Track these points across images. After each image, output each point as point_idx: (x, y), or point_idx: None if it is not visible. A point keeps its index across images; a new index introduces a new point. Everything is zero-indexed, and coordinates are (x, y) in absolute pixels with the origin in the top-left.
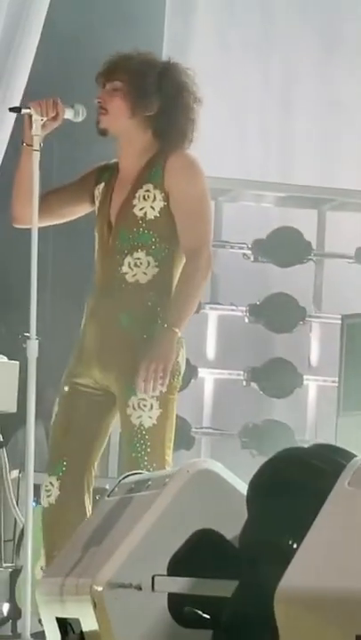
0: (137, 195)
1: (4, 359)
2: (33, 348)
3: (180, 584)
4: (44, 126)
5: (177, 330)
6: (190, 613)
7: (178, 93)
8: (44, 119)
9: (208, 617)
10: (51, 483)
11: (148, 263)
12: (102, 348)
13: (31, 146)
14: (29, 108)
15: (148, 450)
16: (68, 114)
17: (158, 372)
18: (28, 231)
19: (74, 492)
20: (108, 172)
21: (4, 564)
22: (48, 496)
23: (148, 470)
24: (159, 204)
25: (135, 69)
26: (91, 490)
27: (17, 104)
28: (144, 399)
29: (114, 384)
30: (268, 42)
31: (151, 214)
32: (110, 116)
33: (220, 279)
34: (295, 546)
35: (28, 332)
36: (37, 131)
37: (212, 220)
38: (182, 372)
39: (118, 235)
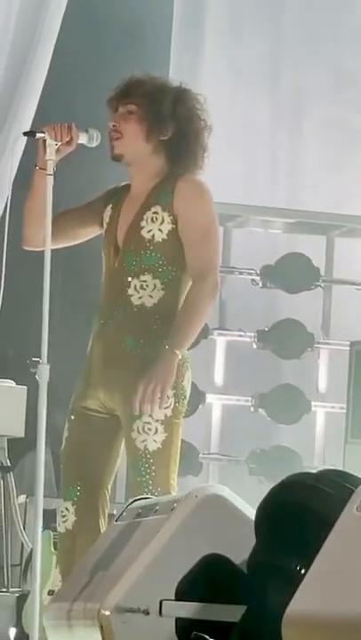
0: (145, 217)
1: (12, 384)
2: (44, 372)
3: (187, 609)
4: (58, 151)
5: (178, 352)
6: (198, 638)
7: (191, 119)
8: (59, 144)
9: None
10: (66, 508)
11: (155, 286)
12: (108, 370)
13: (45, 170)
14: (44, 133)
15: (153, 474)
16: (82, 138)
17: (156, 393)
18: (35, 254)
19: (89, 516)
20: (116, 195)
21: (11, 589)
22: (64, 521)
23: (153, 494)
24: (167, 226)
25: (150, 93)
26: (106, 513)
27: (27, 128)
28: (149, 423)
29: (119, 407)
30: (276, 67)
31: (159, 237)
32: (125, 140)
33: (229, 305)
34: (303, 571)
35: (36, 356)
36: (51, 155)
37: (219, 245)
38: (188, 396)
39: (125, 257)
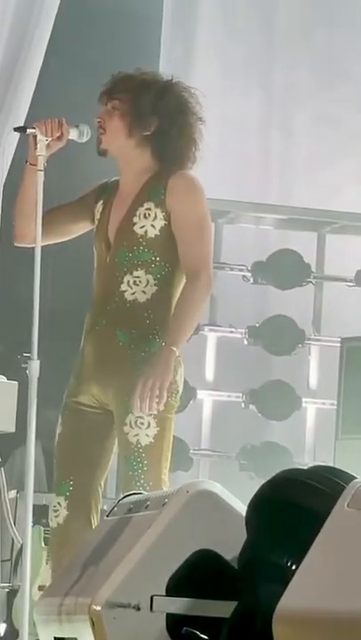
0: (137, 213)
1: (3, 379)
2: (34, 368)
3: (178, 604)
4: (48, 146)
5: (175, 349)
6: (189, 634)
7: (177, 112)
8: (49, 139)
9: (206, 638)
10: (58, 503)
11: (148, 282)
12: (100, 365)
13: (35, 166)
14: (34, 128)
15: (145, 468)
16: (73, 134)
17: (155, 391)
18: (26, 250)
19: (81, 511)
20: (107, 191)
21: (2, 584)
22: (56, 516)
23: (145, 488)
24: (160, 222)
25: (133, 88)
26: (98, 508)
27: (21, 124)
28: (141, 417)
29: (112, 402)
30: (268, 63)
31: (152, 233)
32: (108, 136)
33: (220, 301)
34: (294, 567)
35: (27, 351)
36: (42, 151)
37: (212, 241)
38: (180, 392)
39: (118, 253)
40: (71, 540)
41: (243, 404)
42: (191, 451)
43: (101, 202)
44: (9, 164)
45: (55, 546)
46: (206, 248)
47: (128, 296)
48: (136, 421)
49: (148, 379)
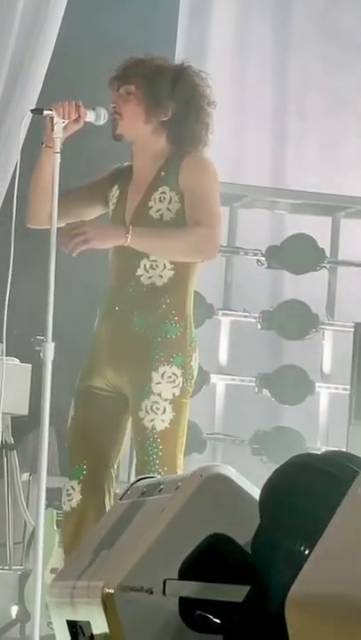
0: (153, 197)
1: (17, 362)
2: (49, 350)
3: (191, 588)
4: (65, 128)
5: (128, 236)
6: (201, 618)
7: (191, 97)
8: (66, 121)
9: (219, 622)
10: (72, 487)
11: (164, 266)
12: (115, 349)
13: (51, 148)
14: (51, 110)
15: (160, 453)
16: (90, 117)
17: (78, 236)
18: (41, 230)
19: (95, 495)
20: (123, 175)
21: (14, 567)
22: (69, 500)
23: (160, 473)
24: (175, 205)
25: (148, 74)
26: (112, 492)
27: (33, 105)
28: (157, 402)
29: (127, 386)
30: (284, 48)
31: (167, 216)
32: (125, 121)
33: (233, 285)
34: (307, 552)
35: (40, 334)
36: (59, 133)
37: (218, 206)
38: (195, 377)
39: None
40: (84, 524)
41: (256, 389)
42: (204, 435)
43: (117, 186)
44: (21, 144)
45: (69, 529)
46: (211, 207)
47: (145, 280)
48: (152, 406)
49: (85, 226)
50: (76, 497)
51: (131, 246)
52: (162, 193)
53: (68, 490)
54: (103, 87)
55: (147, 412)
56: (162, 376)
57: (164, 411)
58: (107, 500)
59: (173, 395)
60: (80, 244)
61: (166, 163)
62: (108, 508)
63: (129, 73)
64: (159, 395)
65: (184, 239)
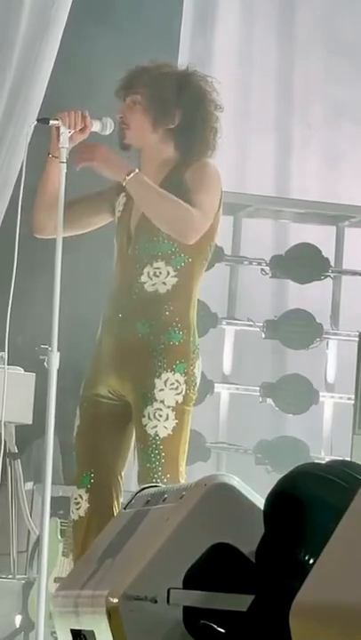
0: None
1: (20, 370)
2: (54, 360)
3: (195, 597)
4: (71, 138)
5: (129, 176)
6: (205, 627)
7: (198, 103)
8: (72, 132)
9: (223, 631)
10: (80, 495)
11: (168, 273)
12: (119, 356)
13: (57, 157)
14: (57, 120)
15: (163, 460)
16: (96, 127)
17: (87, 153)
18: (45, 240)
19: (103, 502)
20: None
21: (18, 576)
22: (77, 509)
23: (162, 480)
24: None
25: (153, 82)
26: (120, 500)
27: (35, 115)
28: (160, 409)
29: (130, 393)
30: (288, 58)
31: None
32: (132, 131)
33: (238, 295)
34: (312, 561)
35: (45, 343)
36: (65, 143)
37: (213, 205)
38: (198, 384)
39: (138, 244)
40: (93, 532)
41: (260, 398)
42: (208, 444)
43: (123, 194)
44: (24, 154)
45: (77, 538)
46: (208, 202)
47: (148, 287)
48: (155, 413)
49: (97, 149)
50: (84, 505)
51: (126, 187)
52: None
53: (75, 498)
54: (107, 97)
55: (149, 418)
56: (165, 383)
57: (167, 418)
58: (115, 507)
59: (176, 402)
60: (84, 160)
61: (172, 171)
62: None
63: (134, 82)
64: (162, 402)
65: (174, 209)
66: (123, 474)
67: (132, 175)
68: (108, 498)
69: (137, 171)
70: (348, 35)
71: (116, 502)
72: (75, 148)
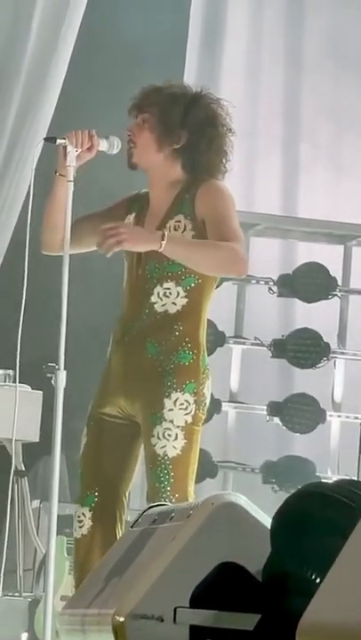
0: (168, 225)
1: (28, 389)
2: (61, 378)
3: (202, 616)
4: (78, 157)
5: (163, 242)
6: None
7: (206, 125)
8: (79, 150)
9: None
10: (83, 514)
11: (178, 293)
12: (128, 376)
13: (64, 176)
14: (64, 139)
15: (172, 480)
16: (103, 146)
17: (114, 236)
18: (52, 257)
19: (106, 522)
20: (138, 203)
21: (24, 594)
22: (80, 527)
23: (171, 500)
24: (189, 233)
25: (162, 102)
26: (123, 519)
27: (44, 135)
28: (169, 429)
29: (139, 413)
30: (296, 75)
31: None
32: (138, 150)
33: (245, 314)
34: (318, 580)
35: (52, 361)
36: (72, 162)
37: (239, 228)
38: (207, 404)
39: (148, 264)
40: (95, 551)
41: (267, 417)
42: (215, 460)
43: (133, 214)
44: (32, 173)
45: (79, 557)
46: (232, 224)
47: (158, 308)
48: (164, 433)
49: (120, 227)
50: (87, 524)
51: (164, 253)
52: (177, 221)
53: (79, 516)
54: (115, 118)
55: (158, 438)
56: (174, 403)
57: (176, 437)
58: (118, 527)
59: (185, 422)
60: (114, 244)
61: (182, 191)
62: (119, 535)
63: (145, 101)
64: (171, 421)
65: (217, 252)
66: (127, 494)
67: (165, 240)
68: (112, 517)
69: (166, 233)
70: (356, 53)
71: (119, 522)
72: (99, 236)
